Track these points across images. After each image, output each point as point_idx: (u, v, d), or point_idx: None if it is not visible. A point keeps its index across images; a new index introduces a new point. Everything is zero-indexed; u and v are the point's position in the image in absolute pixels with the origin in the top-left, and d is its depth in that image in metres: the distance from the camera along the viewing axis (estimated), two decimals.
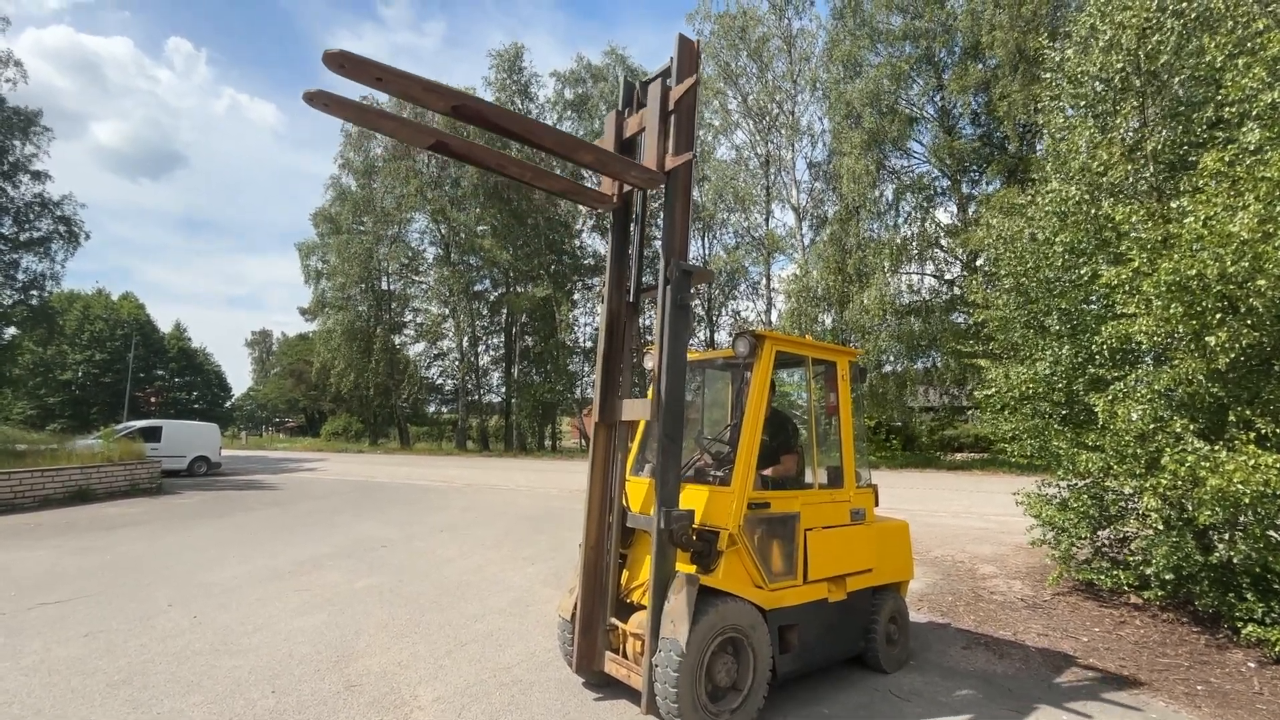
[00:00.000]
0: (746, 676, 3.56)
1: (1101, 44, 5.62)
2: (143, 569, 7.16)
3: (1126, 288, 4.73)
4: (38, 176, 23.10)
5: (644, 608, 3.71)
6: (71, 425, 38.80)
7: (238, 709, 3.67)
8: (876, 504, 4.61)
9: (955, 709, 3.84)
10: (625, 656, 3.80)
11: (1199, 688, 4.20)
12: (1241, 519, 4.57)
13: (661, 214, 3.97)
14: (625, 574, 4.06)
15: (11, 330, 23.91)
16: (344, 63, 2.67)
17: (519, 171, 3.70)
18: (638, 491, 4.11)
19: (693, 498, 3.87)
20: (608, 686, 3.98)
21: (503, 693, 3.93)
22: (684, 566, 3.64)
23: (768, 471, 4.15)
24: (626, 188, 4.07)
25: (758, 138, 30.72)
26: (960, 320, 23.37)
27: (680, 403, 3.61)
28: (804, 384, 4.63)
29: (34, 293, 23.76)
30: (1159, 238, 4.61)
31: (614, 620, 3.86)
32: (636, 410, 3.84)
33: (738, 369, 4.97)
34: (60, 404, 44.45)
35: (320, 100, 2.76)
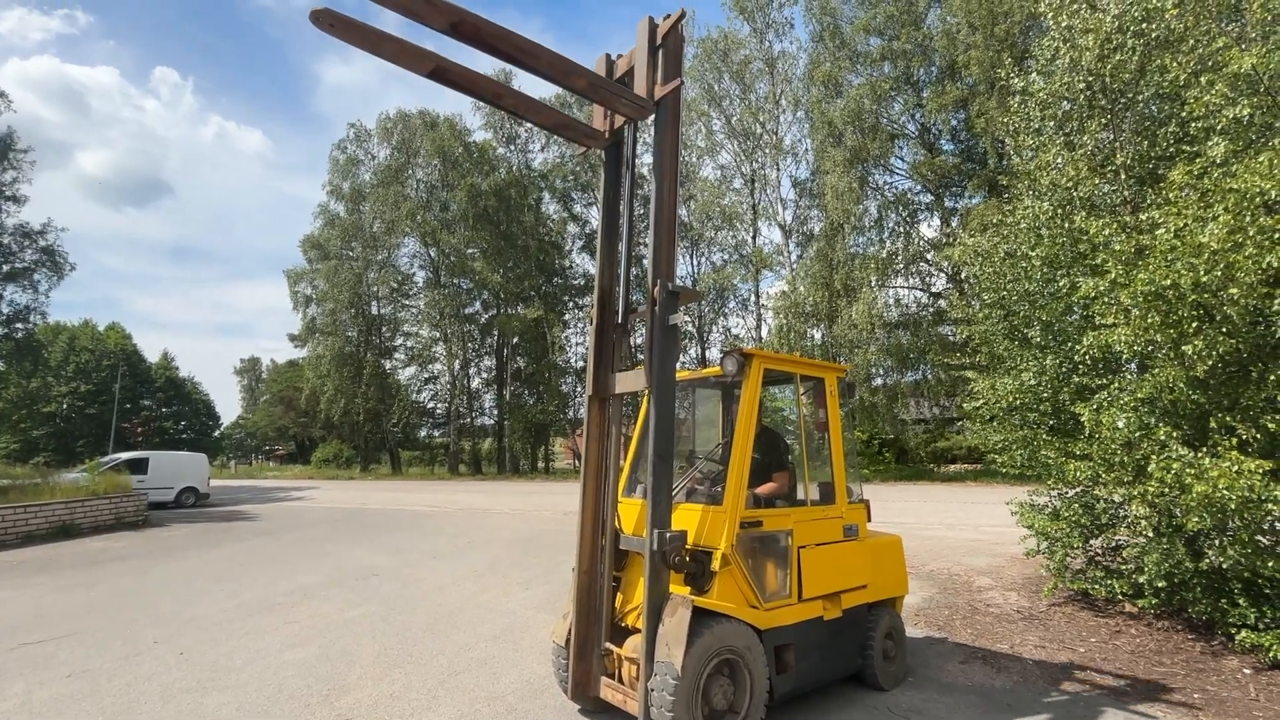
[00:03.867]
0: (743, 698, 3.52)
1: (1064, 64, 5.80)
2: (128, 605, 7.02)
3: (1105, 298, 4.82)
4: (16, 200, 23.01)
5: (639, 631, 3.68)
6: (56, 459, 38.15)
7: None
8: (869, 519, 4.62)
9: None
10: (621, 681, 3.76)
11: (1196, 696, 4.20)
12: (1230, 524, 4.61)
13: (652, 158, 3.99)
14: (619, 597, 4.03)
15: None
16: None
17: (513, 103, 3.70)
18: (629, 513, 4.10)
19: (685, 518, 3.87)
20: (604, 713, 3.93)
21: None
22: (678, 588, 3.62)
23: (760, 489, 4.15)
24: (618, 123, 4.11)
25: (742, 157, 31.17)
26: (948, 332, 23.62)
27: (671, 422, 3.60)
28: (795, 401, 4.66)
29: (19, 326, 23.55)
30: (1132, 249, 4.72)
31: (609, 645, 3.82)
32: (629, 382, 3.84)
33: (728, 387, 4.99)
34: (44, 437, 43.76)
35: (325, 20, 2.78)
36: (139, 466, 18.81)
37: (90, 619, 6.45)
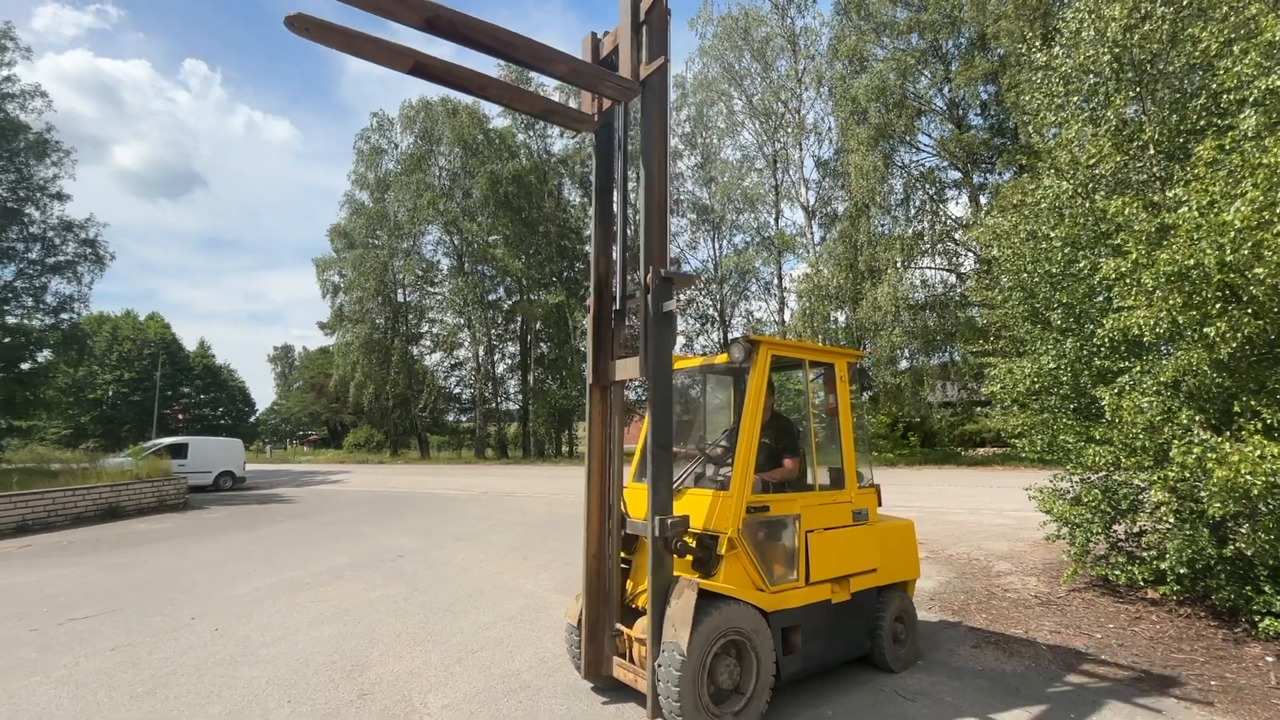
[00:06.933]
0: (749, 679, 3.58)
1: (1089, 36, 5.59)
2: (168, 583, 7.38)
3: (1127, 280, 4.69)
4: (60, 198, 23.87)
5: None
6: (104, 443, 39.88)
7: (254, 719, 3.79)
8: (879, 504, 4.62)
9: (961, 709, 3.83)
10: (632, 661, 3.85)
11: (1213, 683, 4.14)
12: (1259, 510, 4.50)
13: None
14: (630, 580, 4.12)
15: (45, 353, 24.66)
16: None
17: (498, 92, 3.65)
18: (639, 498, 4.16)
19: (694, 502, 3.92)
20: (616, 691, 4.04)
21: (511, 699, 4.01)
22: (686, 571, 3.68)
23: (769, 475, 4.17)
24: (606, 105, 4.06)
25: (764, 137, 30.69)
26: (975, 314, 23.12)
27: (668, 410, 3.60)
28: (814, 386, 4.66)
29: (64, 316, 24.53)
30: (1153, 229, 4.58)
31: (619, 626, 3.91)
32: (629, 370, 3.82)
33: (740, 374, 5.01)
34: (92, 423, 45.66)
35: (300, 25, 2.76)
36: (179, 451, 19.57)
37: (133, 596, 6.79)
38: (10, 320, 23.29)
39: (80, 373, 40.21)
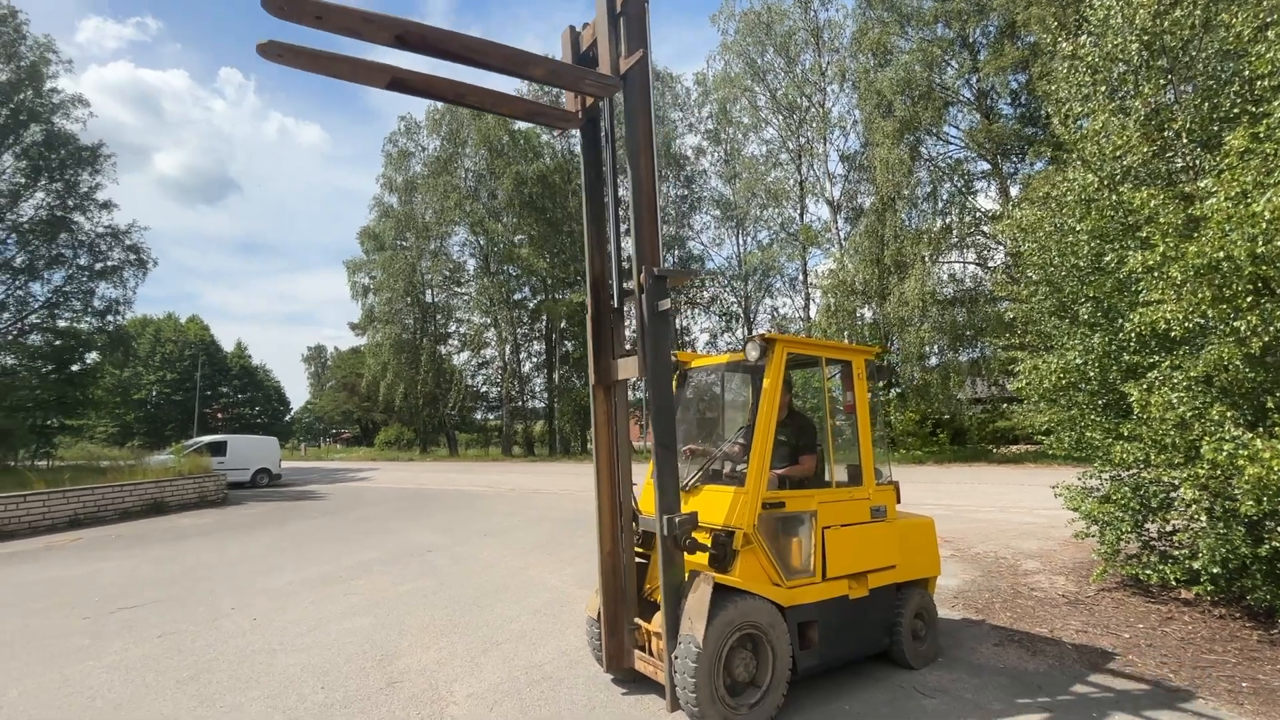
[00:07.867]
0: (765, 672, 3.63)
1: (1117, 24, 5.47)
2: (210, 575, 7.70)
3: (1154, 274, 4.60)
4: (107, 207, 24.89)
5: None
6: (149, 441, 41.48)
7: (290, 703, 3.97)
8: (898, 501, 4.61)
9: (979, 706, 3.82)
10: (651, 654, 3.93)
11: (1243, 685, 4.04)
12: None
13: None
14: (649, 574, 4.20)
15: (93, 355, 25.72)
16: (282, 5, 2.77)
17: (479, 99, 3.64)
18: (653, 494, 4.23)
19: (711, 498, 3.98)
20: (636, 682, 4.12)
21: (533, 689, 4.12)
22: (703, 565, 3.74)
23: (786, 471, 4.21)
24: (590, 103, 4.04)
25: (788, 133, 30.42)
26: (1004, 308, 22.62)
27: (670, 410, 3.61)
28: (837, 382, 4.67)
29: (110, 318, 25.55)
30: (1181, 221, 4.47)
31: (638, 619, 3.99)
32: (631, 369, 3.82)
33: (759, 371, 5.04)
34: (137, 421, 47.49)
35: (273, 51, 2.83)
36: (219, 449, 20.28)
37: (177, 587, 7.11)
38: (61, 323, 24.35)
39: (126, 374, 41.84)
